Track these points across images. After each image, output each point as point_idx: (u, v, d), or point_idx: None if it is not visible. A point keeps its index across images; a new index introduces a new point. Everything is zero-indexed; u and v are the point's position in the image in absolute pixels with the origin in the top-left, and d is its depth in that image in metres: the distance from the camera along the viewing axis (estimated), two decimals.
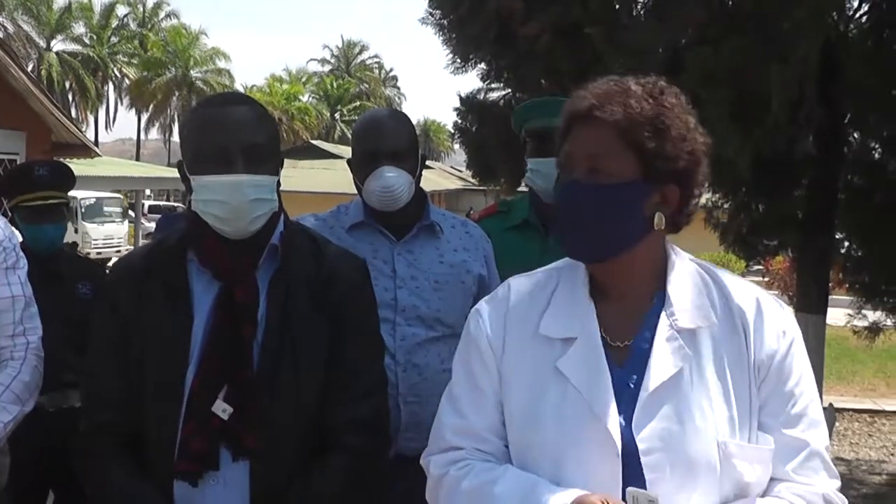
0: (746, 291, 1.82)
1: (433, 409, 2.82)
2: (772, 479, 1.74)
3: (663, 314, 1.78)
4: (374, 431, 2.19)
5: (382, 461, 2.30)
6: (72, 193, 4.08)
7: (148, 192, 32.39)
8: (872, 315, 7.75)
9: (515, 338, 1.86)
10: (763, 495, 1.73)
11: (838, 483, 1.78)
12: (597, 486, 1.68)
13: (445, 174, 48.71)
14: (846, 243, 7.51)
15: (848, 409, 10.49)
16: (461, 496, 1.81)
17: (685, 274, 1.83)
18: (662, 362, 1.73)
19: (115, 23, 66.35)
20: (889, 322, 7.71)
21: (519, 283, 1.95)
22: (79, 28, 64.06)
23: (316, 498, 2.07)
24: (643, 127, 1.72)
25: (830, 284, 7.49)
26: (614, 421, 1.71)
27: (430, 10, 7.41)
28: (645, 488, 1.67)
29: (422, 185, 2.96)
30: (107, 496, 2.11)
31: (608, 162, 1.74)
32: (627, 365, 1.77)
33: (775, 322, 1.79)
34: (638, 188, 1.74)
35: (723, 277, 1.85)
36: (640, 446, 1.69)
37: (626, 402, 1.73)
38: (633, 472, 1.69)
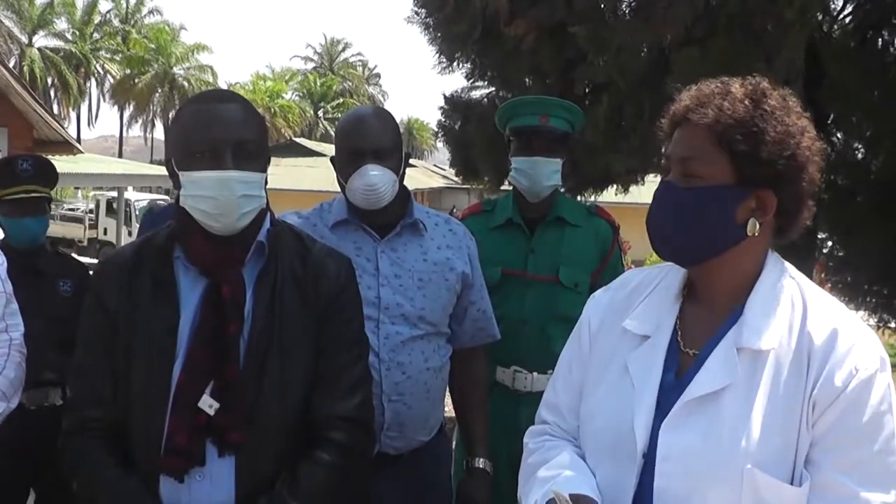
0: (825, 320, 1.70)
1: (416, 408, 2.84)
2: None
3: (733, 328, 1.73)
4: (359, 428, 2.20)
5: (367, 458, 2.32)
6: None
7: (130, 188, 32.17)
8: (855, 315, 7.75)
9: (608, 329, 1.89)
10: None
11: None
12: (614, 483, 1.73)
13: (429, 172, 48.56)
14: (829, 243, 7.54)
15: None
16: (526, 469, 1.95)
17: (773, 291, 1.75)
18: (709, 376, 1.70)
19: (97, 19, 65.94)
20: (872, 322, 7.72)
21: (630, 276, 1.98)
22: (61, 24, 63.70)
23: (301, 493, 2.07)
24: (735, 130, 1.67)
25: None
26: (643, 424, 1.72)
27: (416, 10, 7.41)
28: (652, 494, 1.69)
29: (405, 183, 2.95)
30: (96, 493, 2.11)
31: (700, 165, 1.71)
32: (686, 372, 1.75)
33: (848, 357, 1.65)
34: (729, 192, 1.70)
35: (811, 301, 1.74)
36: (659, 453, 1.70)
37: (668, 409, 1.72)
38: (650, 476, 1.70)
